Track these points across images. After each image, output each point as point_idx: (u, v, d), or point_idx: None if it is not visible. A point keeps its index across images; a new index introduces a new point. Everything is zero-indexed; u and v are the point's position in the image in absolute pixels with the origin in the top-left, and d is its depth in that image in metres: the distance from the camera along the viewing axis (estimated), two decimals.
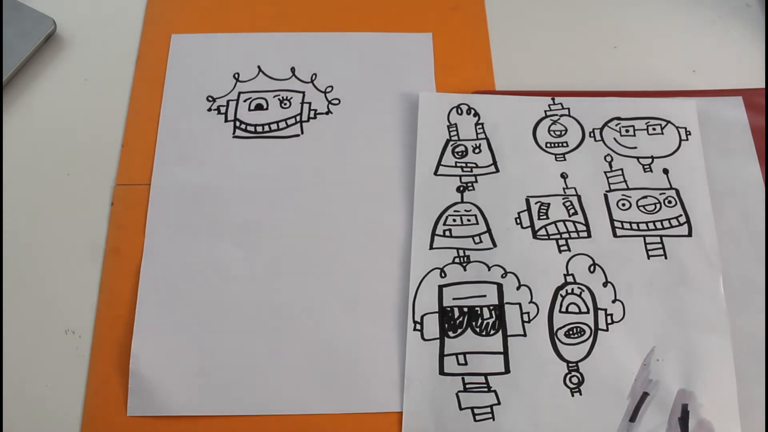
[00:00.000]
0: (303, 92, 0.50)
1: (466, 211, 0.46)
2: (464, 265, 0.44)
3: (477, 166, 0.47)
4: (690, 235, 0.45)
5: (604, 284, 0.43)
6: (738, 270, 0.44)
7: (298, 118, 0.49)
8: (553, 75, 0.52)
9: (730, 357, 0.41)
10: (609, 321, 0.42)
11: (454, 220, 0.45)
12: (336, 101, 0.50)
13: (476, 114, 0.49)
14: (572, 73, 0.52)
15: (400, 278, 0.44)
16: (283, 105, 0.50)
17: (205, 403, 0.41)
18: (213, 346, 0.42)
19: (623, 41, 0.54)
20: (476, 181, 0.47)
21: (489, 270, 0.44)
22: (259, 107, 0.50)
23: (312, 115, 0.50)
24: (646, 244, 0.44)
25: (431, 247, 0.44)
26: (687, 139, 0.48)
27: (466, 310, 0.43)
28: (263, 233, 0.45)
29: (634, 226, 0.45)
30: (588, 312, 0.43)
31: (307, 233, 0.45)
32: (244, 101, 0.50)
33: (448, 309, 0.43)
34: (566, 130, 0.48)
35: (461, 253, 0.44)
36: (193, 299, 0.43)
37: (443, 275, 0.44)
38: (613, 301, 0.43)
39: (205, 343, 0.42)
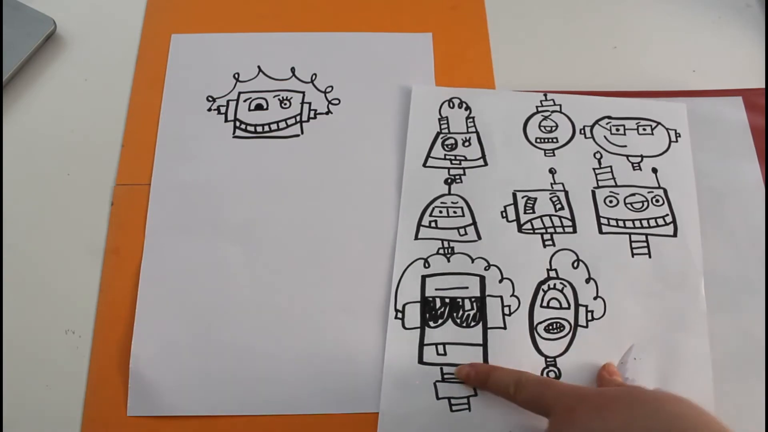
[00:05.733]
0: (303, 92, 0.50)
1: (452, 203, 0.46)
2: (448, 256, 0.44)
3: (466, 159, 0.47)
4: (675, 235, 0.45)
5: (587, 280, 0.43)
6: (738, 270, 0.44)
7: (298, 118, 0.49)
8: (553, 75, 0.52)
9: (707, 359, 0.41)
10: (589, 318, 0.42)
11: (441, 212, 0.45)
12: (336, 101, 0.50)
13: (468, 108, 0.49)
14: (572, 73, 0.52)
15: None
16: (283, 105, 0.50)
17: (205, 403, 0.41)
18: (213, 346, 0.42)
19: (623, 41, 0.54)
20: (464, 174, 0.47)
21: (473, 262, 0.44)
22: (259, 107, 0.50)
23: (312, 115, 0.50)
24: (631, 242, 0.45)
25: (416, 237, 0.45)
26: (677, 141, 0.48)
27: (447, 301, 0.43)
28: (263, 233, 0.45)
29: (621, 223, 0.45)
30: (569, 308, 0.43)
31: (307, 233, 0.45)
32: (244, 101, 0.50)
33: (430, 299, 0.43)
34: (557, 126, 0.49)
35: (446, 244, 0.44)
36: (193, 299, 0.43)
37: (427, 265, 0.44)
38: (595, 298, 0.43)
39: (205, 343, 0.42)
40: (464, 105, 0.49)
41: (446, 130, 0.48)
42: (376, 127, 0.49)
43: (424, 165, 0.47)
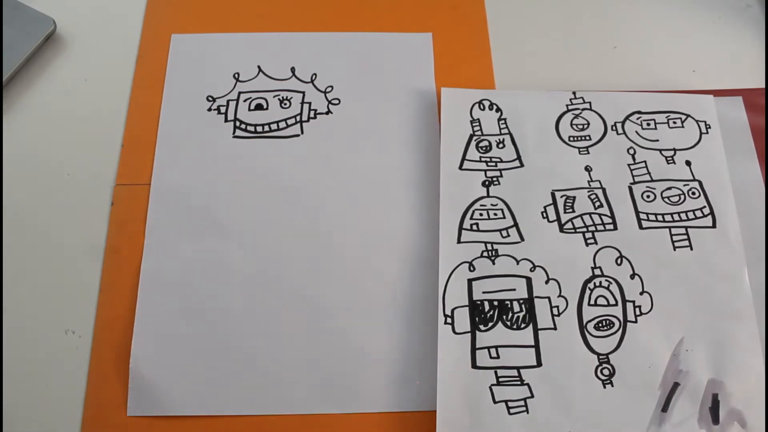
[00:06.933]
0: (303, 92, 0.50)
1: (492, 205, 0.46)
2: (493, 258, 0.44)
3: (501, 161, 0.47)
4: (714, 226, 0.45)
5: (632, 276, 0.44)
6: None
7: (298, 118, 0.49)
8: (553, 75, 0.52)
9: (758, 346, 0.42)
10: (637, 313, 0.43)
11: (481, 215, 0.45)
12: (336, 101, 0.50)
13: (498, 109, 0.49)
14: (572, 73, 0.52)
15: (399, 277, 0.44)
16: (283, 105, 0.50)
17: (205, 403, 0.41)
18: (213, 346, 0.42)
19: (623, 41, 0.54)
20: (501, 176, 0.47)
21: (517, 264, 0.44)
22: (259, 107, 0.50)
23: (312, 115, 0.50)
24: (671, 235, 0.45)
25: (459, 241, 0.45)
26: (707, 133, 0.48)
27: (496, 303, 0.43)
28: (263, 233, 0.45)
29: (660, 217, 0.45)
30: (617, 304, 0.43)
31: (307, 233, 0.45)
32: (244, 101, 0.50)
33: (478, 302, 0.43)
34: (588, 124, 0.49)
35: (489, 246, 0.45)
36: (193, 299, 0.43)
37: (472, 269, 0.44)
38: (641, 293, 0.43)
39: (206, 343, 0.42)
40: (495, 106, 0.49)
41: (479, 132, 0.48)
42: (377, 126, 0.49)
43: (460, 168, 0.47)
